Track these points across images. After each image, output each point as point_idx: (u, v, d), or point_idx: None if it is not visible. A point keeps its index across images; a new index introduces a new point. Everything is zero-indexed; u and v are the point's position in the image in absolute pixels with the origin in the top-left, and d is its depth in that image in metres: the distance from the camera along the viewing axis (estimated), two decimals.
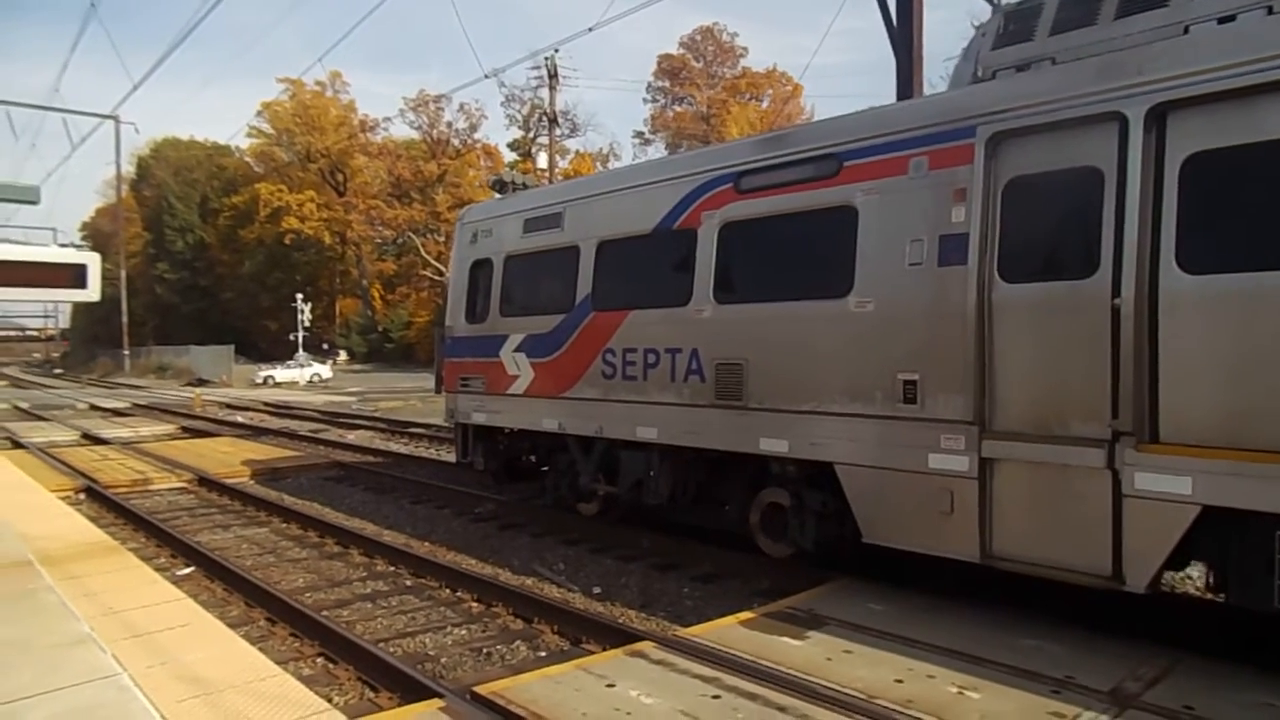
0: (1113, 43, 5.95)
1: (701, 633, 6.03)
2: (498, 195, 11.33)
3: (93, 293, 5.60)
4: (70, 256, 5.56)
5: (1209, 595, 5.22)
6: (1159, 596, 5.42)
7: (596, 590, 7.91)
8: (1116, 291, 5.41)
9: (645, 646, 5.75)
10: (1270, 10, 5.32)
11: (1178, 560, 5.52)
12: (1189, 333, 5.22)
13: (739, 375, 7.67)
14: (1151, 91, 5.39)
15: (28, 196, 5.58)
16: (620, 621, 6.84)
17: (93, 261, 5.63)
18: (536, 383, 9.93)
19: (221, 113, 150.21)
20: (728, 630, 6.08)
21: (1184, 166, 5.32)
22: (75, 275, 5.56)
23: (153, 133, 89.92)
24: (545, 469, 10.67)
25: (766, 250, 7.73)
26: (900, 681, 5.05)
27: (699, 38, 69.34)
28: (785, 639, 5.82)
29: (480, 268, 10.97)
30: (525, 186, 11.37)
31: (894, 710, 4.67)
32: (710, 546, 8.84)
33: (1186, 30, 5.66)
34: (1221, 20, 5.53)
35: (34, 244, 5.58)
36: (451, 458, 12.37)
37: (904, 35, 13.45)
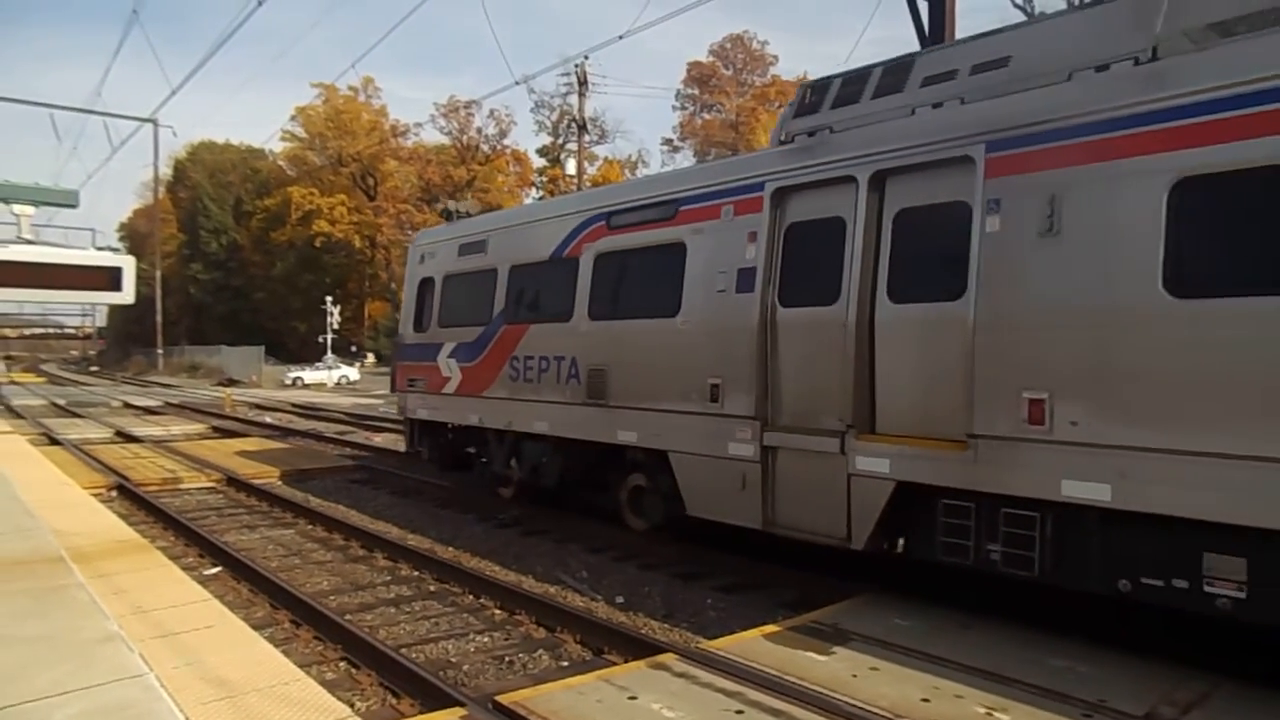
0: (868, 118, 7.42)
1: (725, 646, 5.99)
2: (445, 223, 13.13)
3: (127, 295, 5.68)
4: (107, 260, 5.65)
5: (1222, 616, 5.09)
6: (1194, 619, 5.30)
7: (619, 599, 7.87)
8: (857, 314, 6.90)
9: (668, 659, 5.71)
10: (962, 101, 6.75)
11: (892, 529, 6.83)
12: (894, 349, 6.78)
13: (603, 379, 9.33)
14: (874, 160, 6.95)
15: (67, 200, 5.68)
16: (643, 632, 6.80)
17: (128, 265, 5.72)
18: (464, 384, 11.73)
19: (257, 116, 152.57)
20: (752, 643, 6.03)
21: (895, 219, 6.88)
22: (111, 278, 5.65)
23: (190, 136, 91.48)
24: (483, 459, 12.18)
25: (625, 276, 9.40)
26: (927, 700, 4.97)
27: (729, 45, 69.36)
28: (810, 654, 5.76)
29: (426, 284, 12.85)
30: (469, 215, 13.24)
31: None
32: (734, 556, 8.78)
33: (913, 112, 7.11)
34: (934, 106, 6.99)
35: (73, 245, 5.65)
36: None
37: (936, 43, 13.35)
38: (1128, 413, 5.40)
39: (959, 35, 13.74)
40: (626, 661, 5.97)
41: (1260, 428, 4.82)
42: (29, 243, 5.23)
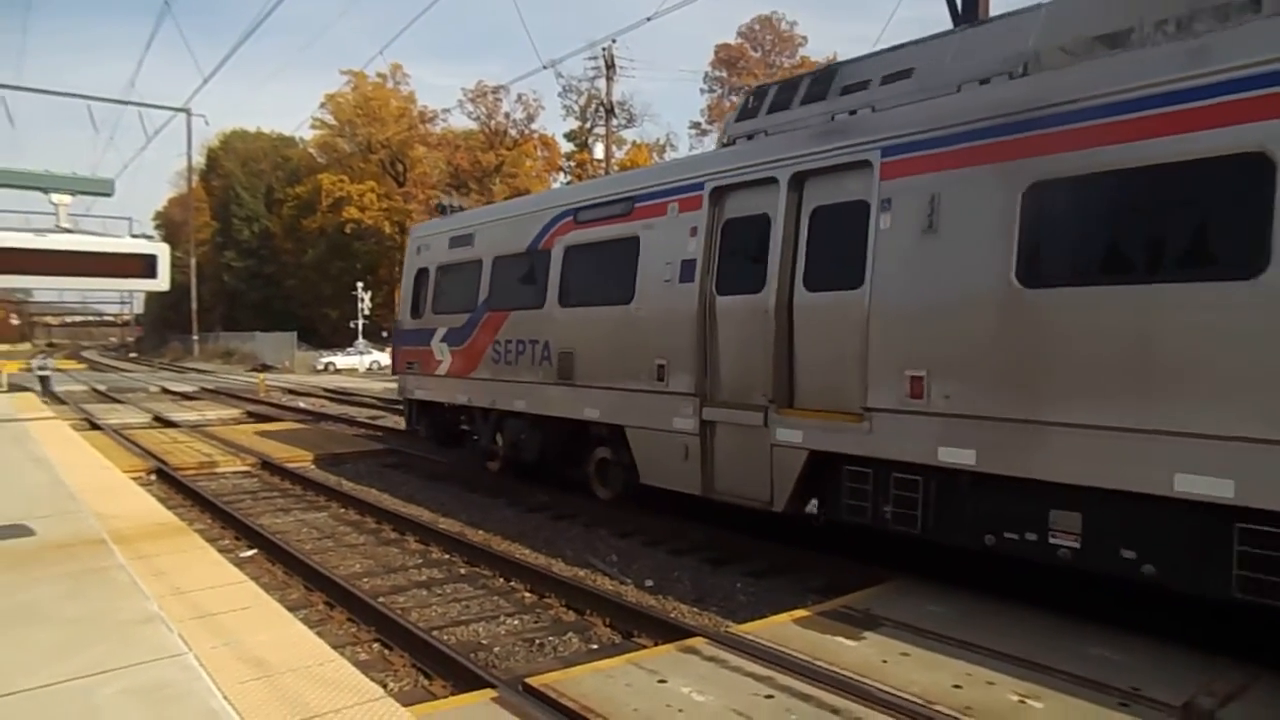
0: (795, 124, 8.27)
1: (755, 630, 5.98)
2: (440, 217, 14.28)
3: (162, 282, 5.74)
4: (141, 247, 5.71)
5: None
6: (1234, 608, 5.20)
7: (649, 583, 7.90)
8: (777, 301, 7.73)
9: (698, 642, 5.72)
10: (873, 109, 7.59)
11: (808, 493, 7.69)
12: (808, 332, 7.62)
13: (571, 361, 10.27)
14: (794, 163, 7.77)
15: (102, 189, 5.74)
16: (672, 616, 6.82)
17: (163, 252, 5.77)
18: (453, 366, 12.82)
19: (288, 105, 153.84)
20: (782, 628, 6.02)
21: (811, 216, 7.70)
22: (146, 265, 5.71)
23: (222, 125, 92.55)
24: (474, 435, 13.12)
25: (590, 267, 10.29)
26: (959, 687, 4.93)
27: (757, 27, 68.59)
28: (840, 639, 5.74)
29: (422, 274, 13.97)
30: (462, 208, 14.43)
31: (952, 717, 4.57)
32: (764, 542, 8.77)
33: (833, 118, 7.93)
34: (851, 113, 7.82)
35: (109, 234, 5.73)
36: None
37: (969, 20, 13.08)
38: (989, 387, 6.22)
39: (992, 13, 13.57)
40: (656, 645, 6.00)
41: (1093, 401, 5.60)
42: (67, 231, 5.32)
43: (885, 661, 5.32)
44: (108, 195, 5.84)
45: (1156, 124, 5.48)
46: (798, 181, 7.78)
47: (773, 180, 7.94)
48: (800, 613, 6.37)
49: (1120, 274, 5.72)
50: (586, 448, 10.75)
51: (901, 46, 7.97)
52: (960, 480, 6.47)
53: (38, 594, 5.88)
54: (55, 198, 5.46)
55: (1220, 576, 5.11)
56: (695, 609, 7.19)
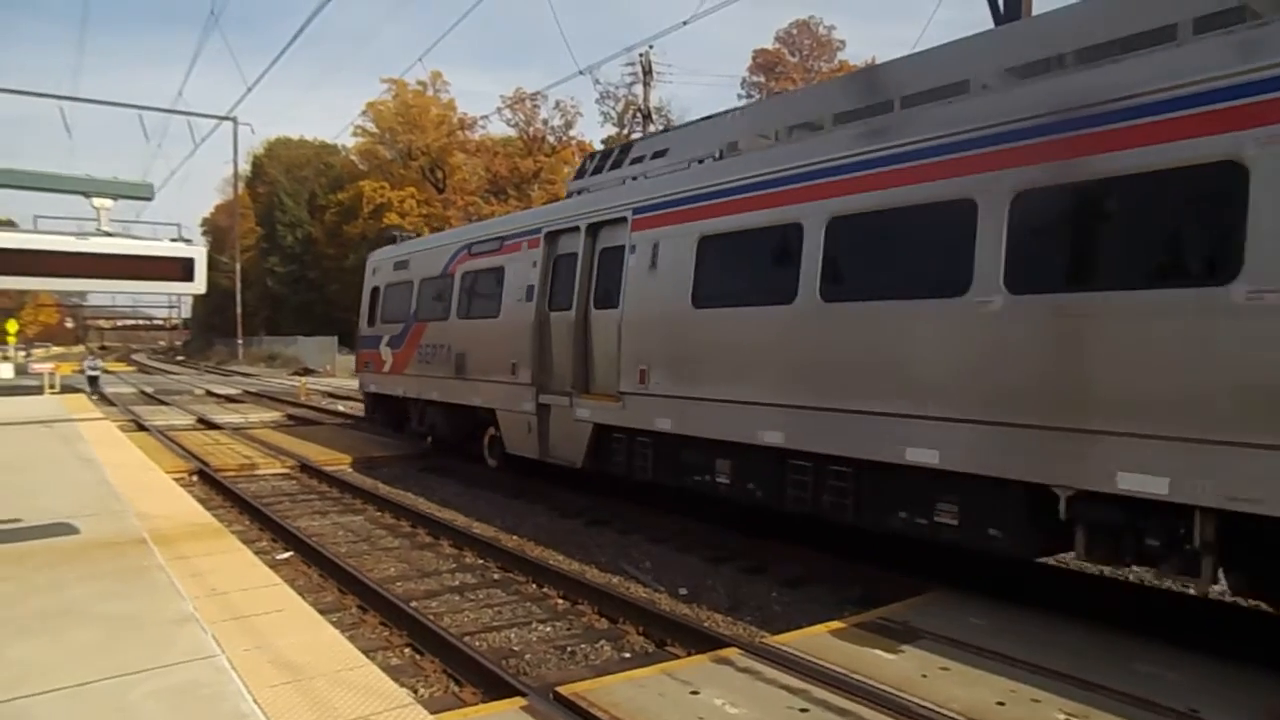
0: (602, 184, 11.30)
1: (790, 641, 5.86)
2: (392, 245, 17.50)
3: (199, 285, 5.80)
4: (179, 250, 5.77)
5: None
6: None
7: (682, 591, 7.80)
8: (578, 316, 10.60)
9: (731, 653, 5.61)
10: (645, 176, 10.44)
11: (597, 455, 10.42)
12: (595, 338, 10.36)
13: (465, 360, 13.39)
14: (590, 216, 10.68)
15: (143, 193, 5.83)
16: (706, 625, 6.71)
17: (199, 255, 5.83)
18: (394, 365, 16.02)
19: (331, 113, 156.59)
20: (817, 639, 5.89)
21: (599, 255, 10.46)
22: (184, 268, 5.78)
23: (267, 133, 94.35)
24: (410, 420, 16.13)
25: (476, 288, 13.41)
26: (1002, 704, 4.77)
27: (795, 31, 68.18)
28: (878, 651, 5.59)
29: (375, 291, 17.24)
30: (410, 236, 18.78)
31: None
32: (799, 549, 8.63)
33: (624, 182, 10.79)
34: (632, 179, 10.70)
35: (146, 237, 5.82)
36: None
37: (1010, 18, 12.79)
38: (678, 376, 9.05)
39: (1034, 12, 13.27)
40: (689, 655, 5.91)
41: (726, 384, 8.38)
42: (108, 235, 5.42)
43: (925, 676, 5.17)
44: (148, 199, 5.93)
45: (772, 199, 8.18)
46: (593, 229, 10.64)
47: (578, 228, 10.87)
48: (837, 624, 6.23)
49: (735, 301, 8.50)
50: (480, 427, 13.65)
51: (664, 132, 11.45)
52: (668, 440, 9.28)
53: (80, 592, 5.96)
54: (96, 202, 5.54)
55: (781, 493, 8.02)
56: (729, 618, 7.08)
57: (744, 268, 8.50)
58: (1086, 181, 5.72)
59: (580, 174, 12.16)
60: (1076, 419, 5.62)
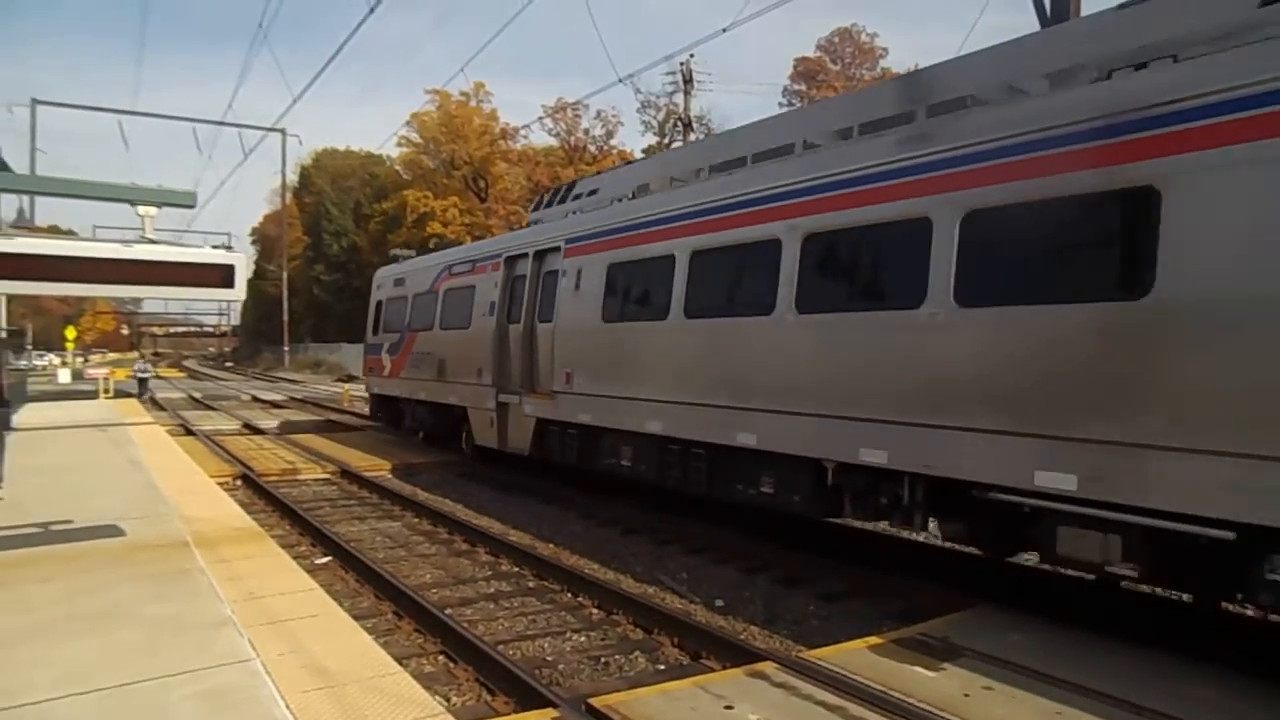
0: (552, 216, 13.51)
1: (827, 656, 5.74)
2: (394, 264, 19.95)
3: (239, 291, 5.88)
4: (220, 258, 5.87)
5: None
6: None
7: (719, 603, 7.71)
8: (526, 328, 12.58)
9: (767, 667, 5.52)
10: (581, 210, 12.58)
11: (540, 445, 12.36)
12: (539, 345, 12.13)
13: (445, 365, 15.48)
14: (536, 245, 12.70)
15: (185, 200, 5.94)
16: (742, 638, 6.61)
17: (239, 262, 5.92)
18: (392, 370, 18.29)
19: (377, 123, 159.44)
20: (855, 655, 5.76)
21: (543, 277, 12.38)
22: (224, 275, 5.87)
23: (315, 144, 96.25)
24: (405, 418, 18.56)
25: (454, 303, 15.41)
26: None
27: (836, 39, 67.67)
28: (918, 668, 5.45)
29: (378, 305, 19.56)
30: (410, 256, 20.03)
31: None
32: (837, 562, 8.49)
33: (566, 215, 12.87)
34: (572, 213, 12.84)
35: (190, 245, 5.94)
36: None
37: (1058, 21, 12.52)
38: (594, 378, 10.89)
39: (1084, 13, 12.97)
40: (724, 668, 5.82)
41: (621, 383, 10.32)
42: (151, 242, 5.53)
43: (967, 695, 5.02)
44: (190, 206, 6.03)
45: (653, 236, 10.11)
46: (539, 255, 12.65)
47: (527, 254, 12.95)
48: (875, 639, 6.09)
49: (629, 317, 10.47)
50: (458, 423, 15.40)
51: (596, 175, 13.80)
52: (588, 430, 11.09)
53: (124, 594, 6.09)
54: (141, 210, 5.66)
55: (663, 472, 9.90)
56: (766, 631, 6.98)
57: (635, 290, 10.52)
58: (821, 233, 7.88)
59: (538, 206, 14.64)
60: (837, 409, 7.42)
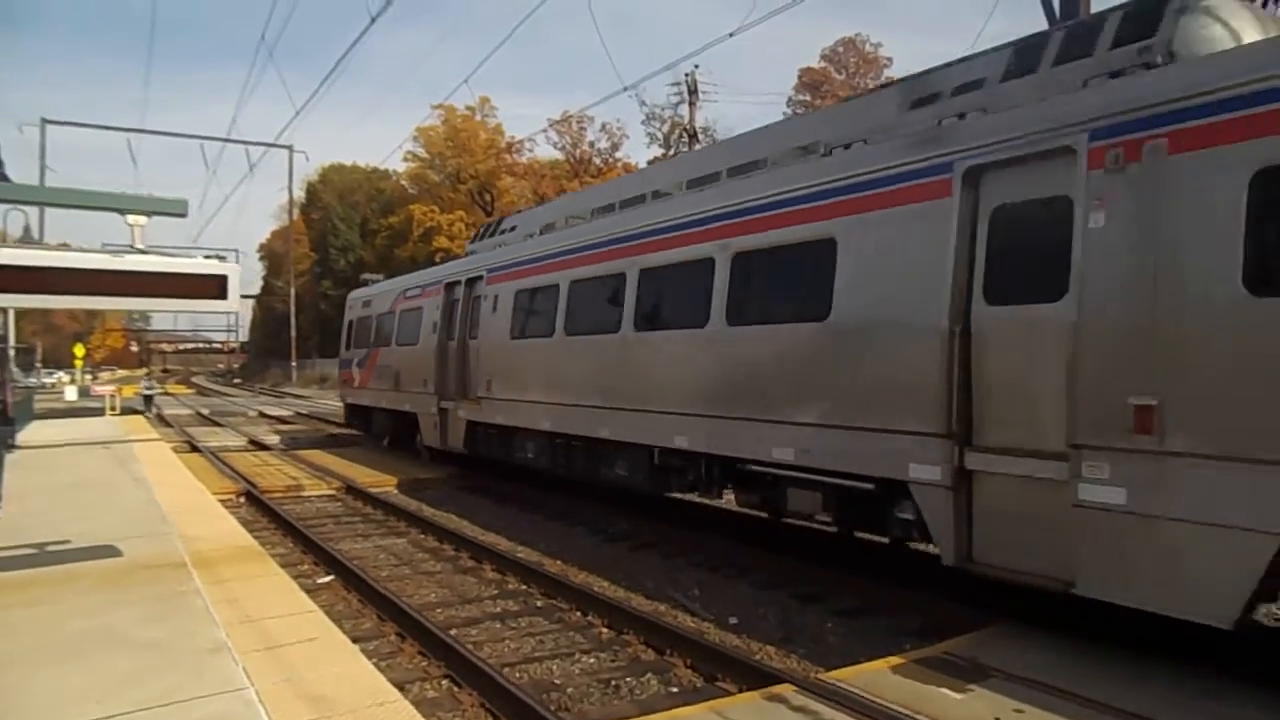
0: (483, 248, 15.85)
1: (848, 677, 5.49)
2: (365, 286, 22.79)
3: (232, 303, 5.69)
4: (212, 268, 5.67)
5: None
6: None
7: (733, 620, 7.46)
8: (460, 344, 14.82)
9: (785, 690, 5.27)
10: (503, 245, 14.98)
11: (472, 443, 14.50)
12: (472, 358, 14.38)
13: (399, 377, 17.68)
14: (467, 273, 15.09)
15: (176, 209, 5.77)
16: (757, 658, 6.36)
17: (233, 272, 5.72)
18: (360, 381, 20.72)
19: (383, 139, 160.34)
20: (877, 676, 5.51)
21: (472, 300, 14.66)
22: (218, 286, 5.67)
23: (321, 159, 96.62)
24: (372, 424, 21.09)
25: (407, 323, 17.59)
26: None
27: (840, 49, 67.57)
28: (943, 690, 5.20)
29: (349, 324, 22.11)
30: (379, 280, 22.60)
31: None
32: (854, 577, 8.23)
33: (495, 248, 15.07)
34: (497, 247, 15.24)
35: (181, 255, 5.75)
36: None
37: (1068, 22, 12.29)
38: (508, 386, 13.02)
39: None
40: (740, 690, 5.57)
41: (516, 389, 12.74)
42: (141, 253, 5.35)
43: (997, 719, 4.77)
44: (182, 215, 5.85)
45: (544, 269, 12.37)
46: (469, 283, 14.85)
47: (460, 281, 15.24)
48: (897, 659, 5.84)
49: (527, 335, 12.74)
50: (412, 427, 17.39)
51: (515, 213, 17.20)
52: (505, 429, 13.28)
53: (117, 617, 5.89)
54: (130, 219, 5.48)
55: (553, 463, 12.23)
56: (782, 650, 6.72)
57: (533, 312, 12.66)
58: (650, 268, 10.05)
59: (476, 239, 17.23)
60: (658, 406, 9.54)
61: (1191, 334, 5.02)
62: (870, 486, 7.02)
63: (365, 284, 22.38)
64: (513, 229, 15.10)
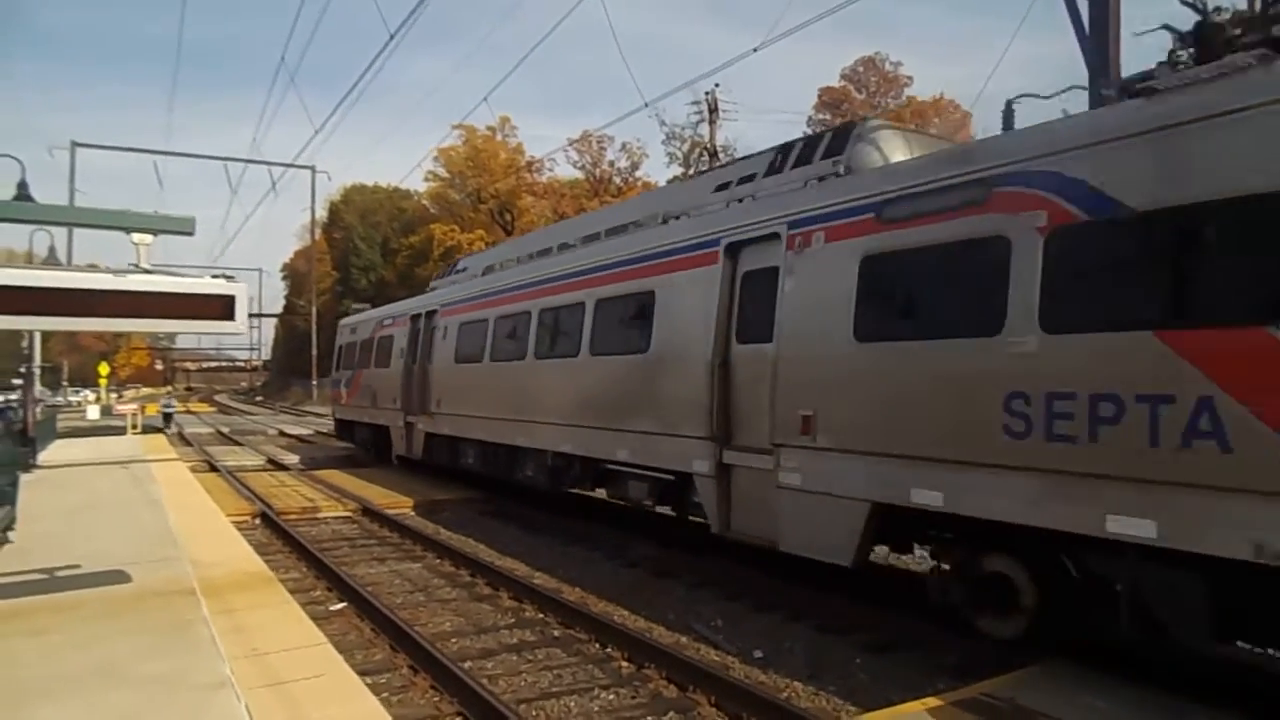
0: (443, 284, 18.75)
1: (882, 719, 5.19)
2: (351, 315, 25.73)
3: (240, 325, 5.51)
4: (219, 288, 5.50)
5: None
6: None
7: (758, 654, 7.16)
8: (420, 366, 17.65)
9: None
10: (457, 283, 17.96)
11: (428, 451, 17.41)
12: (430, 379, 17.13)
13: (376, 395, 20.32)
14: (427, 307, 17.96)
15: (183, 227, 5.61)
16: (784, 696, 6.07)
17: (240, 292, 5.54)
18: (347, 399, 23.35)
19: (406, 159, 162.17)
20: (914, 718, 5.20)
21: (431, 330, 17.41)
22: (225, 306, 5.49)
23: (343, 179, 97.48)
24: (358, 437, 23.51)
25: (382, 348, 20.20)
26: None
27: (861, 69, 67.39)
28: None
29: (339, 348, 24.94)
30: (364, 308, 25.15)
31: None
32: (883, 610, 7.90)
33: (450, 285, 18.06)
34: (449, 287, 18.29)
35: (190, 275, 5.58)
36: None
37: (1098, 45, 12.00)
38: (454, 401, 15.80)
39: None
40: None
41: (469, 405, 15.16)
42: (147, 272, 5.21)
43: None
44: (189, 234, 5.69)
45: (479, 305, 15.11)
46: (429, 315, 17.43)
47: (421, 313, 17.85)
48: (933, 700, 5.53)
49: (468, 359, 15.17)
50: (385, 439, 19.86)
51: (471, 255, 21.96)
52: (452, 439, 15.76)
53: (119, 649, 5.69)
54: (136, 237, 5.32)
55: (490, 466, 14.73)
56: (810, 687, 6.41)
57: (470, 341, 15.13)
58: (549, 309, 12.67)
59: (439, 276, 19.81)
60: (553, 419, 11.97)
61: (826, 366, 7.57)
62: (672, 478, 9.64)
63: (351, 313, 25.74)
64: (464, 270, 18.04)
